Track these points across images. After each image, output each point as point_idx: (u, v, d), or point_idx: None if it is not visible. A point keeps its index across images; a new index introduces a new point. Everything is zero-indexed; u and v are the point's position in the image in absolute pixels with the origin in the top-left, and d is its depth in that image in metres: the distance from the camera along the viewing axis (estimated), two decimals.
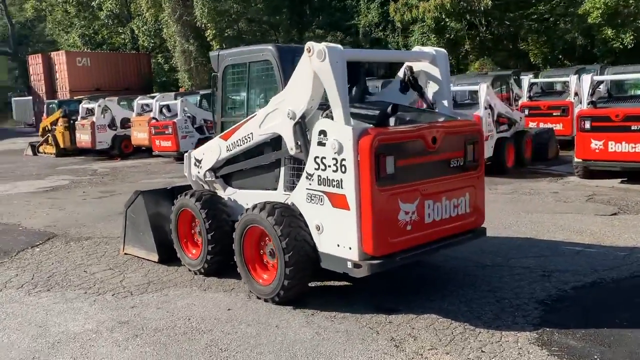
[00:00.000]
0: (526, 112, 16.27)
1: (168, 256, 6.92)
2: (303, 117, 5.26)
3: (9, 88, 52.16)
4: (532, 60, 27.35)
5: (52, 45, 46.73)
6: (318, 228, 5.16)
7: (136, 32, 36.19)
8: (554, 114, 15.79)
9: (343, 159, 4.80)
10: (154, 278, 6.53)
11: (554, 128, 15.51)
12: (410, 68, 5.89)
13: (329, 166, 4.95)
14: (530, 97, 16.52)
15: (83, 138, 20.67)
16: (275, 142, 5.73)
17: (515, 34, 28.23)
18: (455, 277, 6.08)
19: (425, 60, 5.82)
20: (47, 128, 22.44)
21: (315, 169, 5.10)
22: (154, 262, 7.02)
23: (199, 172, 6.70)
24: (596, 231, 7.72)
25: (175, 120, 17.46)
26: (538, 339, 4.53)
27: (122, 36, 37.63)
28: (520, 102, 16.28)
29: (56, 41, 45.83)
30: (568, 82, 16.09)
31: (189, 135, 17.51)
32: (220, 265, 6.31)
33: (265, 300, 5.50)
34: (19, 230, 9.53)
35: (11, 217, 10.55)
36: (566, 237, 7.50)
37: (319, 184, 5.10)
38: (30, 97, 37.08)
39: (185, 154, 6.96)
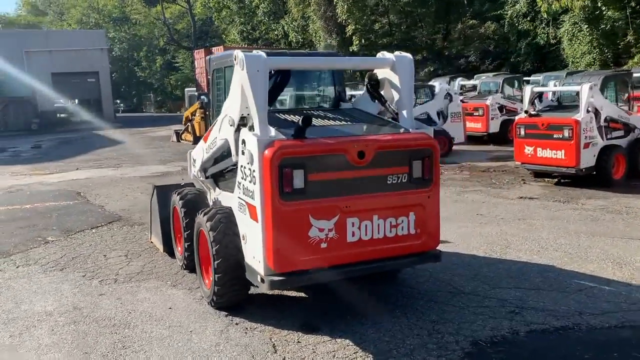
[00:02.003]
0: None
1: (172, 248, 7.32)
2: (244, 124, 5.22)
3: (190, 79, 57.93)
4: None
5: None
6: (243, 238, 5.12)
7: (286, 28, 37.91)
8: None
9: (254, 170, 4.71)
10: (148, 269, 6.97)
11: None
12: (372, 75, 5.52)
13: (247, 176, 4.89)
14: None
15: None
16: None
17: None
18: (414, 302, 5.59)
19: (386, 67, 5.41)
20: (188, 117, 24.60)
21: (241, 178, 5.07)
22: (162, 252, 7.49)
23: (194, 172, 6.98)
24: None
25: None
26: None
27: (276, 32, 39.68)
28: None
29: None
30: None
31: None
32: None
33: (208, 304, 5.60)
34: (98, 211, 10.70)
35: (102, 199, 11.87)
36: (597, 268, 6.45)
37: (243, 194, 5.06)
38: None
39: (187, 153, 7.29)
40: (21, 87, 35.19)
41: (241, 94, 4.98)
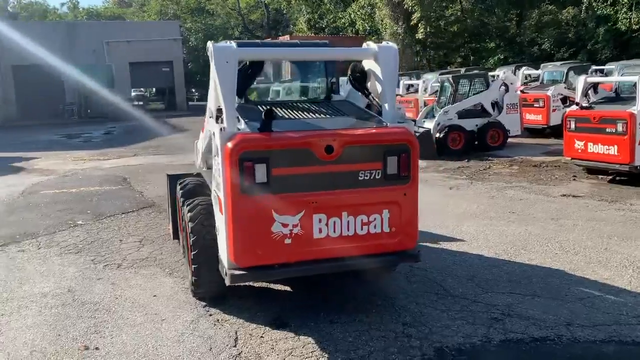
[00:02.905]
0: None
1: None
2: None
3: None
4: None
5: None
6: (217, 230, 5.11)
7: (352, 16, 37.60)
8: None
9: (219, 163, 4.68)
10: (153, 255, 7.14)
11: None
12: (355, 67, 5.32)
13: (218, 169, 4.86)
14: None
15: None
16: None
17: None
18: (396, 301, 5.37)
19: (369, 58, 5.19)
20: None
21: (214, 170, 5.05)
22: (173, 240, 7.65)
23: (198, 161, 7.05)
24: None
25: None
26: None
27: (342, 20, 39.43)
28: None
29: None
30: None
31: None
32: None
33: (191, 293, 5.65)
34: (135, 197, 11.08)
35: (144, 185, 12.28)
36: (613, 275, 5.95)
37: (216, 186, 5.04)
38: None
39: (194, 143, 7.37)
40: (102, 77, 37.00)
41: (215, 86, 4.95)
